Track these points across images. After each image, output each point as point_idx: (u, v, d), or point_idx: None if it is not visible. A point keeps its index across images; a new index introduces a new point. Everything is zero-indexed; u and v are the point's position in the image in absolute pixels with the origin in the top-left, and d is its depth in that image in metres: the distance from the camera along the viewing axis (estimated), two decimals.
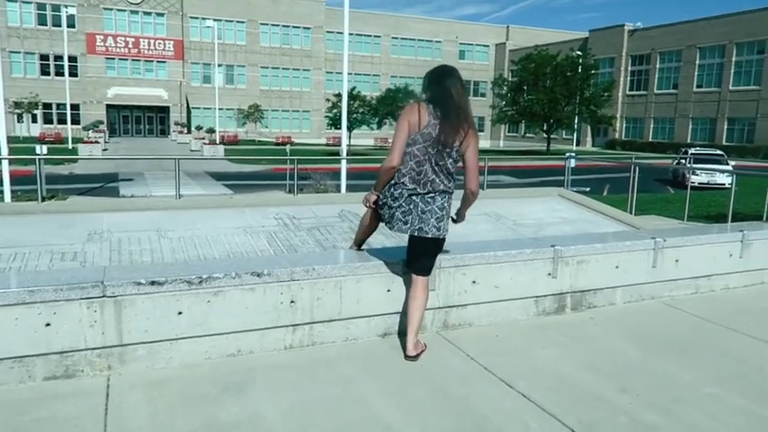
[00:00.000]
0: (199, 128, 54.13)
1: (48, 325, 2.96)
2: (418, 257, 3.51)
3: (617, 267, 4.58)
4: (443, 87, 3.36)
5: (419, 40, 69.75)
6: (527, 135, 63.57)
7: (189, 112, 59.31)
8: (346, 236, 7.37)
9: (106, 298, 3.06)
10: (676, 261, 4.85)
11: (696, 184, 26.43)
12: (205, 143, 41.25)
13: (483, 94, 72.43)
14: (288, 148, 25.81)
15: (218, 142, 44.40)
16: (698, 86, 54.90)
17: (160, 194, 15.55)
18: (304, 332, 3.56)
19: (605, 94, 48.12)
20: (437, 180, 3.33)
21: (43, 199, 9.70)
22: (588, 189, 22.49)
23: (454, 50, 71.68)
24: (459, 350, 3.73)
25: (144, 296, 3.13)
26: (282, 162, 22.89)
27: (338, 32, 63.33)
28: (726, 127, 53.03)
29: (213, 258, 6.24)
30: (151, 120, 59.55)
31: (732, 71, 51.93)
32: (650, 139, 58.61)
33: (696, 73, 54.98)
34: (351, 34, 54.26)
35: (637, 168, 11.17)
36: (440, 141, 3.27)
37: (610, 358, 3.70)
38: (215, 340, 3.33)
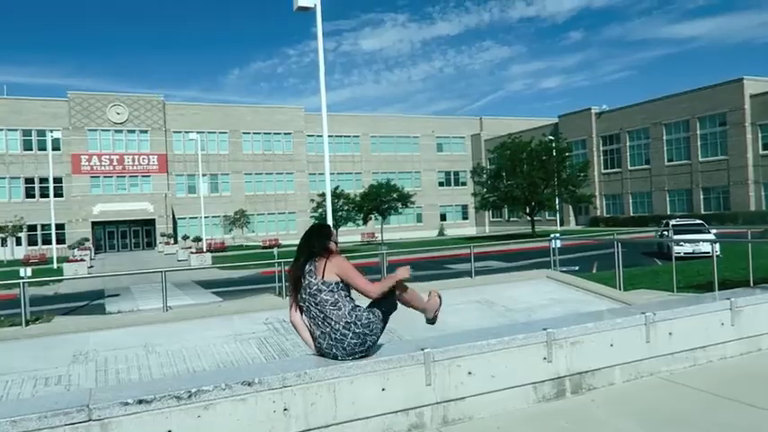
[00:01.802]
0: (185, 237, 54.33)
1: None
2: None
3: (611, 345, 4.55)
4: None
5: (397, 136, 72.23)
6: (511, 219, 64.58)
7: (175, 223, 59.77)
8: None
9: (92, 421, 2.96)
10: (670, 334, 4.82)
11: (682, 254, 26.75)
12: (192, 252, 41.24)
13: (464, 183, 74.13)
14: (275, 250, 25.84)
15: (205, 250, 44.41)
16: (669, 160, 56.74)
17: (147, 308, 15.35)
18: None
19: (581, 174, 49.46)
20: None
21: (27, 322, 9.51)
22: (577, 268, 22.61)
23: (432, 144, 74.12)
24: None
25: (132, 416, 3.03)
26: (270, 265, 22.93)
27: (318, 135, 65.56)
28: (702, 197, 54.34)
29: (203, 370, 6.08)
30: (137, 233, 59.80)
31: (699, 144, 53.92)
32: (631, 214, 59.75)
33: (665, 148, 57.01)
34: (330, 136, 56.06)
35: (619, 244, 11.32)
36: None
37: None
38: None
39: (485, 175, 52.42)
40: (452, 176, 75.51)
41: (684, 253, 26.62)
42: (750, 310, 5.25)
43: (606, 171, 62.99)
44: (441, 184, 74.99)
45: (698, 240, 24.22)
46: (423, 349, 3.81)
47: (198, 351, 6.96)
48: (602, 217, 61.97)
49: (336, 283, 3.74)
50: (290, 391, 3.41)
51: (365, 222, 52.42)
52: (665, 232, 30.28)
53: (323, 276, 3.72)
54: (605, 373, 4.55)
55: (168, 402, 3.10)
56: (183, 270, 22.06)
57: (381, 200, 50.36)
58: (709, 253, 24.11)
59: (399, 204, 52.09)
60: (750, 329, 5.27)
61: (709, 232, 28.36)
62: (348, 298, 3.76)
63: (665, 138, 56.81)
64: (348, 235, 56.82)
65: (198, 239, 50.45)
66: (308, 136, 66.51)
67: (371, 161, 70.33)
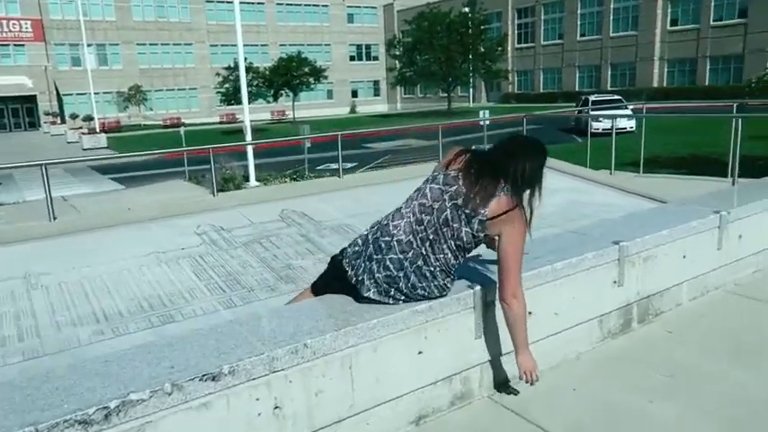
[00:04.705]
0: (74, 116, 48.88)
1: None
2: None
3: (684, 257, 3.45)
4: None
5: (305, 5, 66.70)
6: (427, 95, 62.95)
7: (60, 100, 53.43)
8: (300, 248, 5.68)
9: None
10: (740, 237, 3.80)
11: (600, 131, 26.81)
12: (83, 133, 37.09)
13: (376, 58, 71.03)
14: (182, 130, 23.21)
15: (98, 131, 40.12)
16: (581, 35, 56.49)
17: (34, 199, 12.93)
18: None
19: (499, 48, 48.25)
20: None
21: None
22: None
23: (342, 14, 69.38)
24: (526, 422, 2.44)
25: None
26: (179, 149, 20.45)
27: (218, 1, 59.24)
28: (609, 73, 55.09)
29: (119, 314, 4.38)
30: (16, 112, 53.16)
31: (611, 18, 53.72)
32: (541, 90, 59.96)
33: (579, 22, 56.48)
34: (230, 2, 50.82)
35: (587, 121, 10.29)
36: None
37: (718, 385, 2.56)
38: None
39: (401, 49, 49.93)
40: (364, 50, 71.89)
41: (603, 129, 26.66)
42: None
43: (519, 46, 62.05)
44: (352, 58, 71.25)
45: (618, 116, 23.92)
46: (471, 287, 2.49)
47: (107, 281, 5.06)
48: (513, 93, 61.82)
49: (481, 236, 2.35)
50: (284, 377, 2.02)
51: (276, 99, 49.23)
52: (587, 109, 30.17)
53: (483, 213, 2.28)
54: (673, 292, 3.49)
55: None
56: (69, 161, 18.47)
57: (292, 74, 47.03)
58: (626, 128, 24.17)
59: (312, 79, 49.02)
60: None
61: (627, 108, 28.42)
62: (455, 252, 2.37)
63: (579, 11, 56.08)
64: (257, 112, 53.32)
65: (89, 118, 45.40)
66: (207, 2, 59.89)
67: (278, 32, 64.96)
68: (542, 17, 59.48)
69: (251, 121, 16.24)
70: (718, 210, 3.64)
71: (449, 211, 2.31)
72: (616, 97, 31.56)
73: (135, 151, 25.19)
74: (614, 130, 10.12)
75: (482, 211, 2.27)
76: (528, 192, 2.34)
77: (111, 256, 5.67)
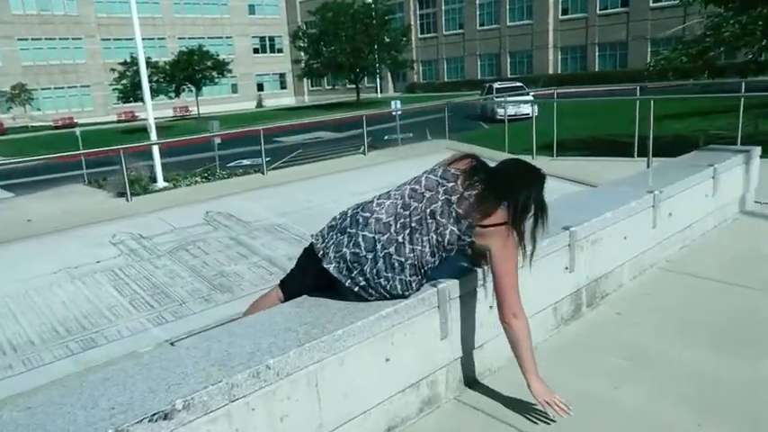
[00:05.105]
0: None
1: None
2: None
3: (625, 239, 3.49)
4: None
5: None
6: (335, 87, 62.45)
7: None
8: (232, 253, 5.24)
9: None
10: (670, 215, 3.91)
11: (507, 117, 27.64)
12: None
13: (280, 50, 69.62)
14: (78, 131, 21.64)
15: None
16: (481, 25, 58.11)
17: None
18: None
19: (403, 38, 48.65)
20: None
21: None
22: (411, 135, 22.10)
23: (243, 5, 67.32)
24: (498, 421, 2.34)
25: None
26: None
27: None
28: (509, 61, 57.08)
29: (30, 343, 3.80)
30: None
31: (507, 8, 55.60)
32: (446, 80, 61.19)
33: (478, 12, 58.05)
34: None
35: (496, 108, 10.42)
36: None
37: (674, 364, 2.59)
38: None
39: (306, 40, 49.18)
40: (268, 43, 70.18)
41: (508, 115, 27.56)
42: (725, 177, 4.53)
43: (423, 36, 62.96)
44: (256, 51, 69.35)
45: (523, 102, 24.74)
46: (435, 285, 2.35)
47: (11, 305, 4.31)
48: (419, 83, 62.69)
49: (467, 241, 2.20)
50: (244, 405, 1.78)
51: (177, 95, 47.11)
52: (491, 95, 31.03)
53: (475, 217, 2.15)
54: (616, 273, 3.53)
55: None
56: None
57: (194, 68, 45.15)
58: (528, 114, 25.11)
59: (215, 73, 47.28)
60: (723, 198, 4.60)
61: (528, 93, 29.46)
62: (433, 248, 2.21)
63: (477, 1, 57.60)
64: (159, 110, 50.73)
65: None
66: None
67: (176, 25, 62.02)
68: (443, 7, 60.64)
69: (156, 117, 15.34)
70: (652, 190, 3.72)
71: (440, 203, 2.17)
72: (518, 84, 32.64)
73: (23, 156, 23.18)
74: (534, 116, 10.37)
75: (475, 215, 2.15)
76: (531, 221, 2.24)
77: (13, 276, 4.94)
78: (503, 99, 25.34)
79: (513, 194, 2.19)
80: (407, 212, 2.18)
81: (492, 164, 2.39)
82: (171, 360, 1.87)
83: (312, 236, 2.37)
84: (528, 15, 54.50)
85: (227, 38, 65.95)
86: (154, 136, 14.86)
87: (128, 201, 6.70)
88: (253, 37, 68.61)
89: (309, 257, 2.33)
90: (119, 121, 48.75)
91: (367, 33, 46.20)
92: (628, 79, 36.44)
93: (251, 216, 5.93)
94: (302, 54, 50.44)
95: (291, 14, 69.60)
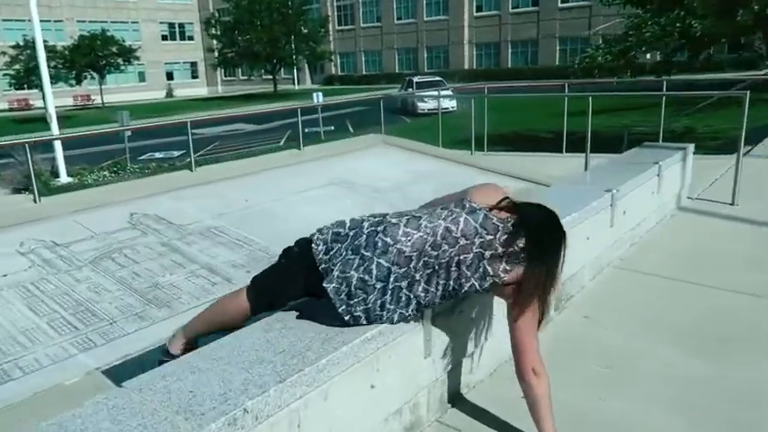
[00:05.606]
0: None
1: None
2: None
3: (588, 239, 3.41)
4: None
5: None
6: (251, 78, 60.70)
7: None
8: (165, 261, 4.63)
9: None
10: (624, 213, 3.88)
11: (426, 111, 27.89)
12: None
13: (191, 38, 66.78)
14: None
15: None
16: (398, 18, 58.40)
17: None
18: None
19: (322, 29, 48.00)
20: None
21: None
22: (333, 128, 21.74)
23: None
24: None
25: None
26: None
27: None
28: (426, 55, 57.81)
29: None
30: None
31: (425, 2, 56.22)
32: (364, 72, 61.06)
33: (395, 5, 58.29)
34: None
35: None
36: None
37: (652, 368, 2.52)
38: None
39: (220, 28, 47.38)
40: (177, 29, 67.05)
41: (428, 109, 27.79)
42: (667, 174, 4.60)
43: (340, 28, 62.46)
44: (164, 37, 66.02)
45: (443, 96, 24.94)
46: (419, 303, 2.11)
47: None
48: (337, 75, 62.19)
49: (489, 276, 1.95)
50: None
51: (79, 82, 44.05)
52: (410, 89, 31.20)
53: (502, 278, 1.96)
54: (579, 276, 3.44)
55: None
56: None
57: (97, 54, 42.37)
58: (448, 108, 25.43)
59: (120, 60, 44.60)
60: (664, 195, 4.66)
61: (448, 88, 29.84)
62: (446, 293, 1.99)
63: None
64: (58, 97, 47.13)
65: None
66: None
67: (75, 6, 57.82)
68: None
69: (56, 106, 14.12)
70: (609, 188, 3.67)
71: (472, 255, 1.93)
72: (438, 79, 32.95)
73: None
74: (473, 110, 10.17)
75: (503, 276, 1.94)
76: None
77: None
78: (435, 93, 25.18)
79: (547, 260, 2.00)
80: (435, 253, 1.92)
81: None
82: (122, 408, 1.51)
83: (313, 239, 2.05)
84: (444, 11, 55.30)
85: (134, 23, 62.36)
86: (55, 126, 13.66)
87: (36, 202, 5.92)
88: (161, 23, 65.31)
89: (302, 265, 2.04)
90: (11, 110, 45.01)
91: (284, 23, 45.15)
92: (539, 76, 37.81)
93: (183, 218, 5.39)
94: (215, 42, 48.56)
95: (203, 1, 66.92)
